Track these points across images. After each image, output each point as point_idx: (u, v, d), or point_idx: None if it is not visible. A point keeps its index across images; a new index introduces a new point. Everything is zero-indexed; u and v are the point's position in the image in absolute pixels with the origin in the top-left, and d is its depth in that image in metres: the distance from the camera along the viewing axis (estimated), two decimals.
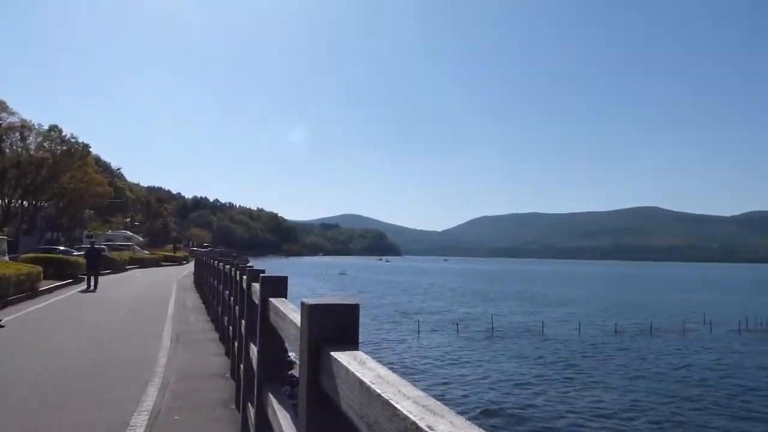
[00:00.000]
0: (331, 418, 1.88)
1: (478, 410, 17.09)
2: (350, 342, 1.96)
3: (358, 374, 1.50)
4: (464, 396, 18.87)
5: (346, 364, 1.63)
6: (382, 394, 1.30)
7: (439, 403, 1.25)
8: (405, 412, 1.17)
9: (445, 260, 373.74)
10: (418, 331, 33.15)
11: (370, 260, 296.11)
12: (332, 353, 1.78)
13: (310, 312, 1.99)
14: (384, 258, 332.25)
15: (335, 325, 1.97)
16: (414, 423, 1.12)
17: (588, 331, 34.76)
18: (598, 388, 20.41)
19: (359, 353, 1.77)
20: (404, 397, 1.27)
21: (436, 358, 25.51)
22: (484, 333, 33.50)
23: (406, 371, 22.32)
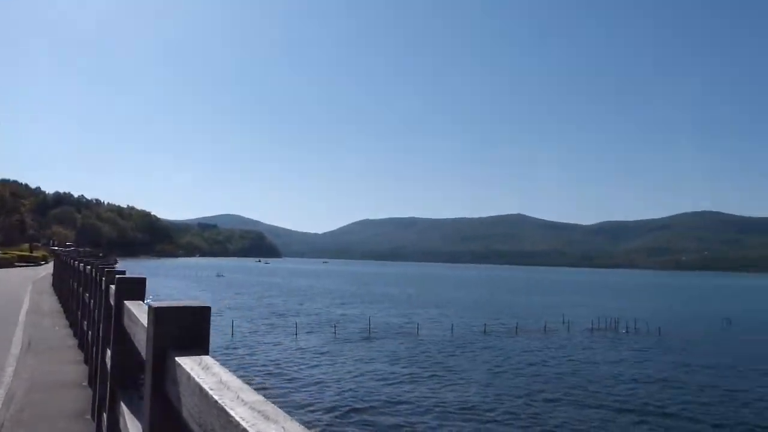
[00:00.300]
0: (174, 428, 1.80)
1: (348, 408, 17.38)
2: (199, 346, 1.88)
3: (199, 380, 1.44)
4: (337, 395, 19.01)
5: (189, 369, 1.56)
6: (219, 401, 1.26)
7: (276, 408, 1.23)
8: (237, 419, 1.14)
9: (324, 262, 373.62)
10: (296, 333, 32.90)
11: (249, 262, 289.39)
12: (177, 358, 1.70)
13: (156, 315, 1.88)
14: (263, 260, 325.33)
15: (183, 329, 1.88)
16: (245, 430, 1.10)
17: (459, 332, 36.31)
18: (465, 384, 21.41)
19: (206, 358, 1.70)
20: (241, 403, 1.24)
21: (312, 359, 25.44)
22: (360, 334, 33.91)
23: (280, 373, 22.12)
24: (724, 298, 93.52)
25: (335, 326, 35.92)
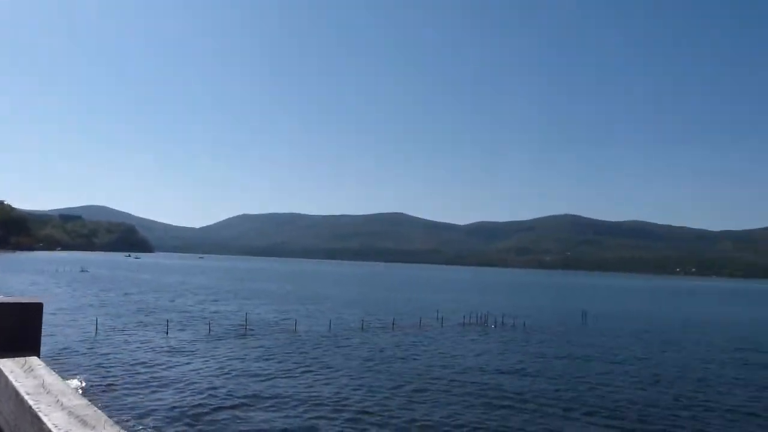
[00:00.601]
0: None
1: (216, 406, 16.95)
2: (28, 347, 1.72)
3: (17, 384, 1.32)
4: (207, 393, 18.30)
5: (8, 372, 1.43)
6: (33, 406, 1.16)
7: (99, 412, 1.16)
8: (50, 425, 1.06)
9: (200, 258, 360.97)
10: (167, 331, 31.45)
11: (118, 256, 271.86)
12: None
13: None
14: (133, 255, 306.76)
15: (8, 328, 1.71)
16: None
17: (337, 328, 36.54)
18: (340, 378, 21.53)
19: (32, 359, 1.57)
20: (59, 408, 1.15)
21: (183, 357, 24.38)
22: (236, 331, 33.09)
23: (148, 372, 20.96)
24: (582, 295, 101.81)
25: (209, 323, 34.80)
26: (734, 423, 17.94)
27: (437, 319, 43.32)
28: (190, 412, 16.23)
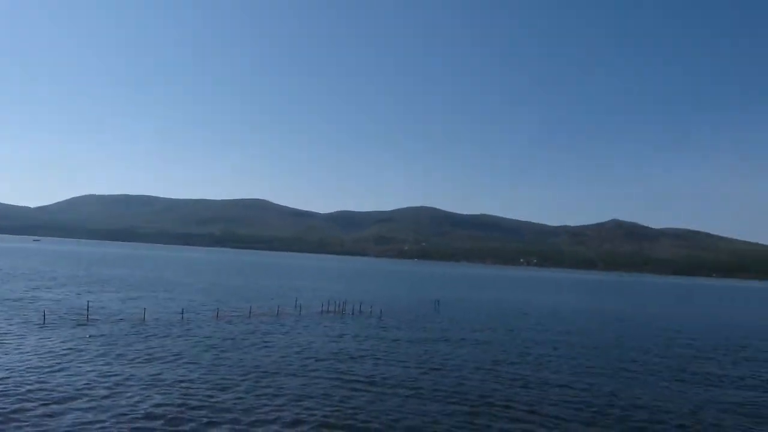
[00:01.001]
0: None
1: (40, 401, 15.55)
2: None
3: None
4: (34, 382, 16.71)
5: None
6: None
7: None
8: None
9: (35, 240, 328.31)
10: None
11: None
12: None
13: None
14: None
15: None
16: None
17: (190, 316, 35.14)
18: (188, 366, 20.70)
19: None
20: None
21: (3, 349, 22.06)
22: (75, 320, 30.58)
23: None
24: (435, 284, 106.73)
25: (44, 311, 31.80)
26: (563, 396, 19.89)
27: (296, 306, 43.24)
28: (4, 410, 14.76)
